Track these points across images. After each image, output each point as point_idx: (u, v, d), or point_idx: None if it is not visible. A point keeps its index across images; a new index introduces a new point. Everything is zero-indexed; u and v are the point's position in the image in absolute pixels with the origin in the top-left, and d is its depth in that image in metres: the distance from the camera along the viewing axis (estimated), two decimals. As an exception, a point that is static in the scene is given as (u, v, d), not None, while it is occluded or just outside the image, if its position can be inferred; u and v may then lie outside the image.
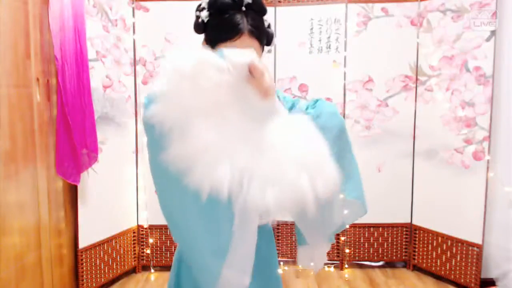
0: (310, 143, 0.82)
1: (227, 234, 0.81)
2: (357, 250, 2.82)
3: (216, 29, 0.92)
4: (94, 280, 2.40)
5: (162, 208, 0.87)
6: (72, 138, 2.07)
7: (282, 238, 2.88)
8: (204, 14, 0.93)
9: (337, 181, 0.80)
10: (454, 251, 2.53)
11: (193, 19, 0.97)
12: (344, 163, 0.98)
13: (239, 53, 0.79)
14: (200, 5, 0.94)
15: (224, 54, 0.78)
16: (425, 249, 2.70)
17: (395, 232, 2.80)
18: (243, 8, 0.90)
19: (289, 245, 2.89)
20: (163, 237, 2.76)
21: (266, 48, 1.03)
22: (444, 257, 2.59)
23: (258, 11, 0.94)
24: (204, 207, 0.79)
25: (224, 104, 0.79)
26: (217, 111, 0.78)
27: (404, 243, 2.81)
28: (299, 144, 0.80)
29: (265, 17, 0.99)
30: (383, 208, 2.73)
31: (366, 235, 2.81)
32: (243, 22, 0.89)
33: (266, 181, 0.76)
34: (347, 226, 1.12)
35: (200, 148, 0.75)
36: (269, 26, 1.00)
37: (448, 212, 2.54)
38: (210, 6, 0.92)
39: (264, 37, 0.97)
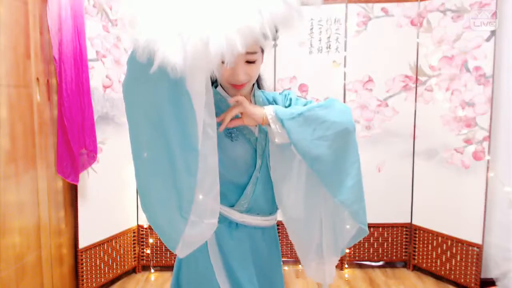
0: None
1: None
2: (357, 250, 2.82)
3: None
4: (94, 280, 2.40)
5: (135, 153, 0.86)
6: (69, 138, 2.07)
7: (282, 238, 2.87)
8: None
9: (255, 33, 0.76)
10: (454, 251, 2.53)
11: None
12: (342, 164, 1.00)
13: None
14: None
15: None
16: (425, 249, 2.70)
17: (395, 232, 2.80)
18: None
19: (289, 245, 2.89)
20: (163, 237, 2.76)
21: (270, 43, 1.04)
22: (444, 257, 2.59)
23: None
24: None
25: None
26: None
27: (404, 243, 2.81)
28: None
29: None
30: (383, 208, 2.73)
31: (366, 235, 2.80)
32: None
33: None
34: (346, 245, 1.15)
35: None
36: None
37: (448, 212, 2.53)
38: None
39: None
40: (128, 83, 0.83)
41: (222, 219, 1.06)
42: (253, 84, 1.11)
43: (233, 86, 0.99)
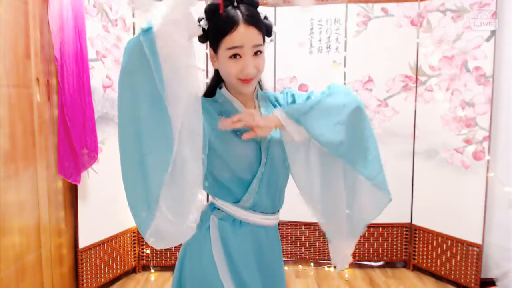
0: None
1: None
2: (357, 250, 2.82)
3: (215, 29, 0.98)
4: (94, 280, 2.40)
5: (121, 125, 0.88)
6: (71, 138, 2.07)
7: (282, 238, 2.88)
8: (204, 23, 1.00)
9: None
10: (454, 251, 2.53)
11: None
12: (361, 141, 1.06)
13: None
14: (199, 17, 1.01)
15: None
16: (425, 249, 2.70)
17: (395, 232, 2.80)
18: (235, 4, 0.96)
19: (289, 245, 2.89)
20: (163, 237, 2.76)
21: (267, 39, 1.07)
22: (444, 257, 2.59)
23: (250, 3, 0.98)
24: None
25: None
26: None
27: (404, 243, 2.81)
28: None
29: (260, 12, 1.03)
30: (383, 208, 2.73)
31: (366, 235, 2.80)
32: (237, 14, 0.95)
33: None
34: (371, 219, 1.21)
35: None
36: (265, 17, 1.04)
37: (448, 212, 2.53)
38: (206, 12, 0.99)
39: (262, 25, 1.00)
40: (121, 73, 0.85)
41: (226, 217, 1.08)
42: (255, 87, 1.12)
43: (242, 81, 1.00)
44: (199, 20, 1.00)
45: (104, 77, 2.36)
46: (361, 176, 1.07)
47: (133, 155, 0.86)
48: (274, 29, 1.17)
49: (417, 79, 2.65)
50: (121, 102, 0.86)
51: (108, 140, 2.40)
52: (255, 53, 0.98)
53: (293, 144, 1.05)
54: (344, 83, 2.69)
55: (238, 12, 0.94)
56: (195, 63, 0.88)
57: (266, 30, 1.02)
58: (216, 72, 1.08)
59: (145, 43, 0.79)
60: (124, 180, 0.89)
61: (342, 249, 1.19)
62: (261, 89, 1.16)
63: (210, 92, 1.10)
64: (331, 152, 1.02)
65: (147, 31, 0.79)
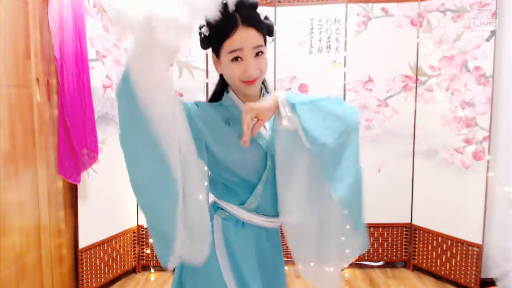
0: None
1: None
2: (357, 250, 2.82)
3: (216, 34, 0.98)
4: (94, 280, 2.40)
5: (129, 164, 0.88)
6: (71, 138, 2.07)
7: (282, 238, 2.87)
8: (205, 30, 0.99)
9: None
10: (454, 251, 2.53)
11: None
12: (344, 160, 1.02)
13: None
14: (200, 24, 1.01)
15: None
16: (425, 249, 2.70)
17: (395, 232, 2.80)
18: (234, 8, 0.96)
19: (289, 245, 2.88)
20: (163, 237, 2.76)
21: (268, 38, 1.07)
22: (444, 257, 2.59)
23: (248, 6, 0.98)
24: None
25: None
26: None
27: (404, 243, 2.81)
28: None
29: (260, 12, 1.02)
30: (383, 208, 2.74)
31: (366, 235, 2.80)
32: (236, 17, 0.94)
33: None
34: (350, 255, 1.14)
35: None
36: (266, 17, 1.04)
37: (448, 212, 2.54)
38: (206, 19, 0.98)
39: (262, 25, 1.00)
40: (119, 130, 0.87)
41: (229, 217, 1.09)
42: (261, 88, 1.13)
43: (245, 83, 1.00)
44: (200, 28, 1.00)
45: (104, 77, 2.36)
46: (335, 196, 1.00)
47: (144, 199, 0.90)
48: (274, 28, 1.17)
49: (417, 79, 2.65)
50: (125, 149, 0.87)
51: (108, 140, 2.40)
52: (257, 54, 0.98)
53: (282, 131, 1.02)
54: (344, 83, 2.69)
55: (237, 15, 0.94)
56: (172, 89, 0.87)
57: (267, 30, 1.02)
58: (221, 77, 1.09)
59: (125, 88, 0.80)
60: (146, 222, 0.94)
61: (325, 273, 1.11)
62: (267, 92, 1.16)
63: (217, 96, 1.11)
64: (312, 148, 0.98)
65: (125, 77, 0.80)
